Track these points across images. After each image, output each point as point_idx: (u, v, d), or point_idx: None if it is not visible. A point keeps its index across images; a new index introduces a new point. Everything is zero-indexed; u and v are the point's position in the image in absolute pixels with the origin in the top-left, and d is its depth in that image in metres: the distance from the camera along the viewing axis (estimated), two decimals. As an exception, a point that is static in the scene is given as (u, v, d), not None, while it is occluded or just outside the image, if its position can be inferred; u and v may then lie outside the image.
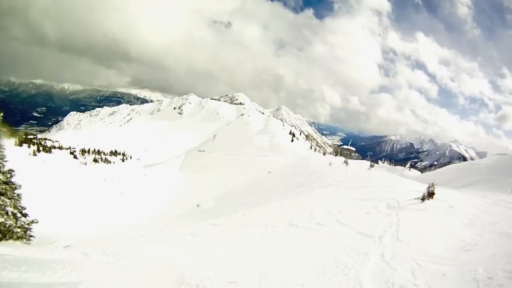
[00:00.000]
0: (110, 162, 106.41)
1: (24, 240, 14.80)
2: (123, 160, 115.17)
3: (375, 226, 13.41)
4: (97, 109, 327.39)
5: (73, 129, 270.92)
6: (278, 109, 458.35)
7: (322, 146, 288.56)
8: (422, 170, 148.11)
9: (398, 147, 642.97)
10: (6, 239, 13.97)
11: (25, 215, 15.10)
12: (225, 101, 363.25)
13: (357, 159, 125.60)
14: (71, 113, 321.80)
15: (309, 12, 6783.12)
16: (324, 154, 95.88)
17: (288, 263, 10.51)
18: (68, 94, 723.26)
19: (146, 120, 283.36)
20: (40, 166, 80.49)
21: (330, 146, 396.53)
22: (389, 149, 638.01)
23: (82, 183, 76.81)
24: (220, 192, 59.27)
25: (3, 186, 14.01)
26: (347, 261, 10.04)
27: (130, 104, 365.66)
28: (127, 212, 59.13)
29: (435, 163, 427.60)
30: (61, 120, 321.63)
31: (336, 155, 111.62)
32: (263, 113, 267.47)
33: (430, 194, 16.81)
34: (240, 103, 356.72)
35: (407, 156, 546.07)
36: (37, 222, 15.55)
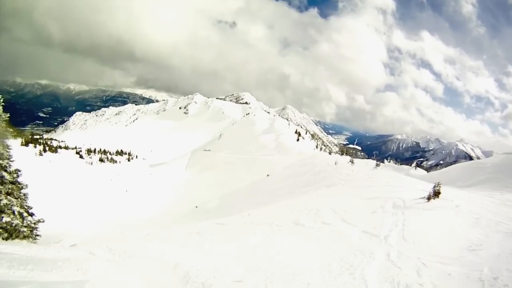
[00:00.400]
0: (116, 161, 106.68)
1: (31, 239, 14.91)
2: (129, 160, 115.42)
3: (380, 226, 13.42)
4: (103, 109, 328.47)
5: (79, 129, 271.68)
6: (283, 108, 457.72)
7: (328, 145, 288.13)
8: (428, 169, 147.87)
9: (404, 146, 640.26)
10: (13, 238, 14.08)
11: (31, 215, 15.21)
12: (231, 100, 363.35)
13: (363, 158, 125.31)
14: (77, 113, 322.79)
15: (314, 11, 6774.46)
16: (330, 153, 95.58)
17: (294, 262, 10.55)
18: (73, 95, 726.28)
19: (151, 119, 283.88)
20: (46, 166, 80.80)
21: (336, 145, 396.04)
22: (395, 148, 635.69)
23: (88, 182, 77.01)
24: (226, 191, 59.36)
25: (10, 186, 14.12)
26: (352, 260, 10.06)
27: (135, 104, 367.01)
28: (132, 211, 59.31)
29: (441, 162, 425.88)
30: (67, 120, 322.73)
31: (342, 154, 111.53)
32: (268, 113, 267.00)
33: (436, 194, 16.79)
34: (246, 103, 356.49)
35: (413, 155, 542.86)
36: (43, 222, 15.66)
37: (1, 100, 13.35)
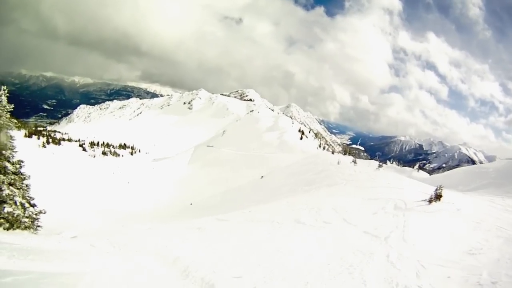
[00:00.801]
0: (118, 155, 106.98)
1: (32, 230, 14.96)
2: (131, 154, 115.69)
3: (381, 226, 13.41)
4: (107, 102, 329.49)
5: (82, 122, 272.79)
6: (288, 106, 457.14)
7: (331, 144, 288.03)
8: (431, 172, 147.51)
9: (407, 148, 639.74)
10: (14, 229, 14.15)
11: (33, 205, 15.27)
12: (235, 97, 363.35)
13: (365, 158, 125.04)
14: (81, 106, 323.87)
15: (320, 9, 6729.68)
16: (332, 153, 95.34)
17: (294, 260, 10.59)
18: (78, 87, 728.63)
19: (155, 114, 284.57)
20: (49, 157, 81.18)
21: (339, 145, 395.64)
22: (398, 149, 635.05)
23: (90, 175, 77.32)
24: (227, 188, 59.50)
25: (12, 177, 14.17)
26: (352, 260, 10.07)
27: (140, 98, 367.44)
28: (133, 204, 59.53)
29: (444, 165, 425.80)
30: (71, 113, 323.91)
31: (345, 154, 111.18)
32: (272, 110, 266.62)
33: (438, 197, 16.75)
34: (250, 100, 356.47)
35: (415, 158, 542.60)
36: (45, 213, 15.72)
37: (6, 92, 13.40)
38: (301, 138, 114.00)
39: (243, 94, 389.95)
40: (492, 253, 9.64)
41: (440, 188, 17.05)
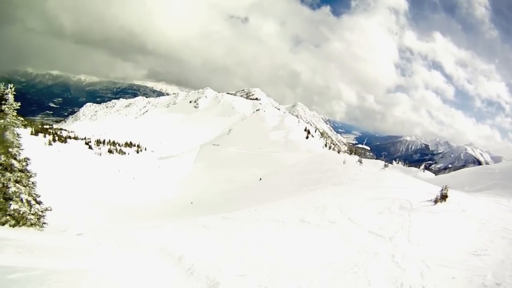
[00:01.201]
0: (124, 153, 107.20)
1: (38, 227, 15.01)
2: (137, 152, 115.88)
3: (386, 226, 13.40)
4: (113, 100, 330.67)
5: (89, 120, 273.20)
6: (294, 106, 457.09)
7: (337, 144, 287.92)
8: (436, 172, 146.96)
9: (413, 148, 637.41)
10: (20, 226, 14.20)
11: (39, 203, 15.32)
12: (241, 96, 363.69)
13: (371, 158, 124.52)
14: (87, 104, 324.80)
15: (326, 9, 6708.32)
16: (338, 152, 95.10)
17: (298, 259, 10.60)
18: (84, 86, 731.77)
19: (161, 112, 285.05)
20: (55, 155, 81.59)
21: (345, 144, 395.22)
22: (403, 149, 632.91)
23: (96, 173, 77.65)
24: (233, 186, 59.51)
25: (19, 174, 14.23)
26: (357, 259, 10.08)
27: (146, 97, 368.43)
28: (139, 201, 59.85)
29: (450, 166, 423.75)
30: (77, 111, 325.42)
31: (351, 153, 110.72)
32: (278, 109, 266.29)
33: (443, 197, 16.71)
34: (256, 99, 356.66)
35: (421, 158, 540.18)
36: (50, 210, 15.76)
37: (12, 90, 13.46)
38: (307, 137, 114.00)
39: (249, 93, 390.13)
40: (497, 254, 9.62)
41: (445, 188, 17.01)
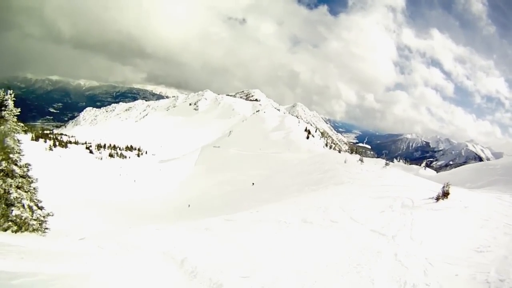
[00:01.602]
0: (125, 157, 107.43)
1: (40, 232, 15.01)
2: (138, 155, 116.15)
3: (389, 225, 13.38)
4: (113, 104, 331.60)
5: (89, 125, 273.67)
6: (293, 106, 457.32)
7: (337, 143, 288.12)
8: (438, 169, 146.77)
9: (413, 145, 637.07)
10: (22, 231, 14.19)
11: (41, 208, 15.31)
12: (241, 97, 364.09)
13: (372, 157, 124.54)
14: (87, 108, 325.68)
15: (323, 8, 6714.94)
16: (339, 152, 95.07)
17: (301, 260, 10.59)
18: (84, 90, 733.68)
19: (161, 115, 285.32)
20: (56, 160, 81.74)
21: (346, 143, 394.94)
22: (404, 147, 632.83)
23: (97, 177, 77.71)
24: (234, 188, 59.53)
25: (20, 180, 14.21)
26: (360, 259, 10.06)
27: (146, 100, 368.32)
28: (140, 204, 59.84)
29: (451, 162, 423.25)
30: (77, 116, 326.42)
31: (352, 152, 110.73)
32: (278, 110, 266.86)
33: (445, 194, 16.69)
34: (256, 100, 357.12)
35: (422, 155, 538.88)
36: (52, 215, 15.75)
37: (12, 96, 13.45)
38: (307, 138, 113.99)
39: (249, 94, 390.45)
40: (499, 250, 9.59)
41: (447, 185, 16.99)
